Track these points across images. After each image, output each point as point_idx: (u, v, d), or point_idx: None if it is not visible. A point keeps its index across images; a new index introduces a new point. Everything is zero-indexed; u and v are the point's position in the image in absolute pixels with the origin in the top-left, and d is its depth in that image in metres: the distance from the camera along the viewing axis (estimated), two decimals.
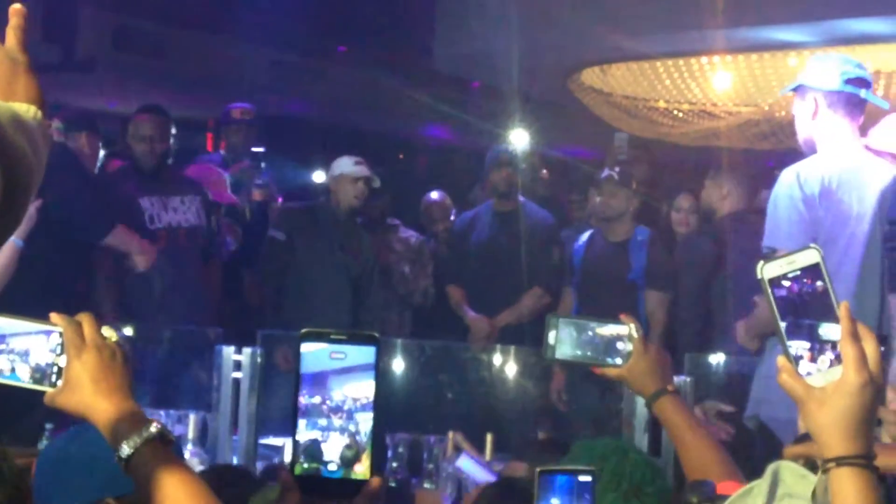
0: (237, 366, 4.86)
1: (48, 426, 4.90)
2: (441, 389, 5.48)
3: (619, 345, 2.69)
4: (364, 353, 1.74)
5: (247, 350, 4.87)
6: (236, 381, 4.84)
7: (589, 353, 2.70)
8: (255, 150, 7.23)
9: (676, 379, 4.30)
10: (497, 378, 5.70)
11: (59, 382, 1.99)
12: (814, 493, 1.77)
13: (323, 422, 1.73)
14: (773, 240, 4.20)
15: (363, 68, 10.07)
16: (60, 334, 2.00)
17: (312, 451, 1.72)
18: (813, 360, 1.66)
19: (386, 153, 11.45)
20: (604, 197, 6.61)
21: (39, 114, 1.55)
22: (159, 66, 9.88)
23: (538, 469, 2.10)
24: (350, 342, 1.74)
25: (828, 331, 1.66)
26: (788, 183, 4.18)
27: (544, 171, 9.42)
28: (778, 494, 1.94)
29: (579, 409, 6.09)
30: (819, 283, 1.66)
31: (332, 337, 1.75)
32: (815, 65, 4.41)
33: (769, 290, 1.66)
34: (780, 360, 1.68)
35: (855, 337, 1.64)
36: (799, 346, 1.67)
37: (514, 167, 6.97)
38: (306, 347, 1.75)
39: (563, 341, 2.68)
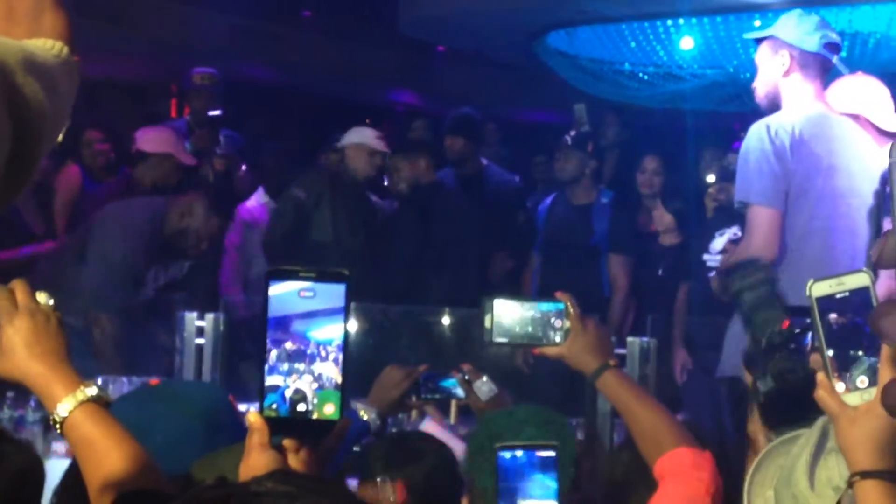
0: (200, 332, 4.81)
1: (9, 394, 4.86)
2: (403, 354, 5.43)
3: (557, 322, 2.64)
4: (333, 291, 1.70)
5: (209, 316, 4.83)
6: (199, 348, 4.80)
7: (528, 333, 2.65)
8: (211, 113, 7.11)
9: (641, 340, 4.34)
10: (460, 343, 5.67)
11: None
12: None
13: (292, 363, 1.69)
14: (745, 194, 4.16)
15: (328, 33, 9.99)
16: None
17: (282, 393, 1.69)
18: (851, 378, 1.73)
19: (352, 119, 11.35)
20: (559, 161, 6.67)
21: (66, 50, 1.42)
22: (121, 31, 9.77)
23: (497, 445, 2.10)
24: (319, 280, 1.70)
25: (870, 352, 1.72)
26: (759, 136, 4.13)
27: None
28: (826, 447, 2.03)
29: (544, 374, 6.06)
30: (867, 306, 1.71)
31: (300, 274, 1.70)
32: (794, 21, 4.30)
33: (816, 309, 1.73)
34: (820, 376, 1.75)
35: (894, 362, 1.67)
36: (839, 365, 1.73)
37: (469, 134, 6.91)
38: (274, 287, 1.70)
39: (500, 323, 2.64)
